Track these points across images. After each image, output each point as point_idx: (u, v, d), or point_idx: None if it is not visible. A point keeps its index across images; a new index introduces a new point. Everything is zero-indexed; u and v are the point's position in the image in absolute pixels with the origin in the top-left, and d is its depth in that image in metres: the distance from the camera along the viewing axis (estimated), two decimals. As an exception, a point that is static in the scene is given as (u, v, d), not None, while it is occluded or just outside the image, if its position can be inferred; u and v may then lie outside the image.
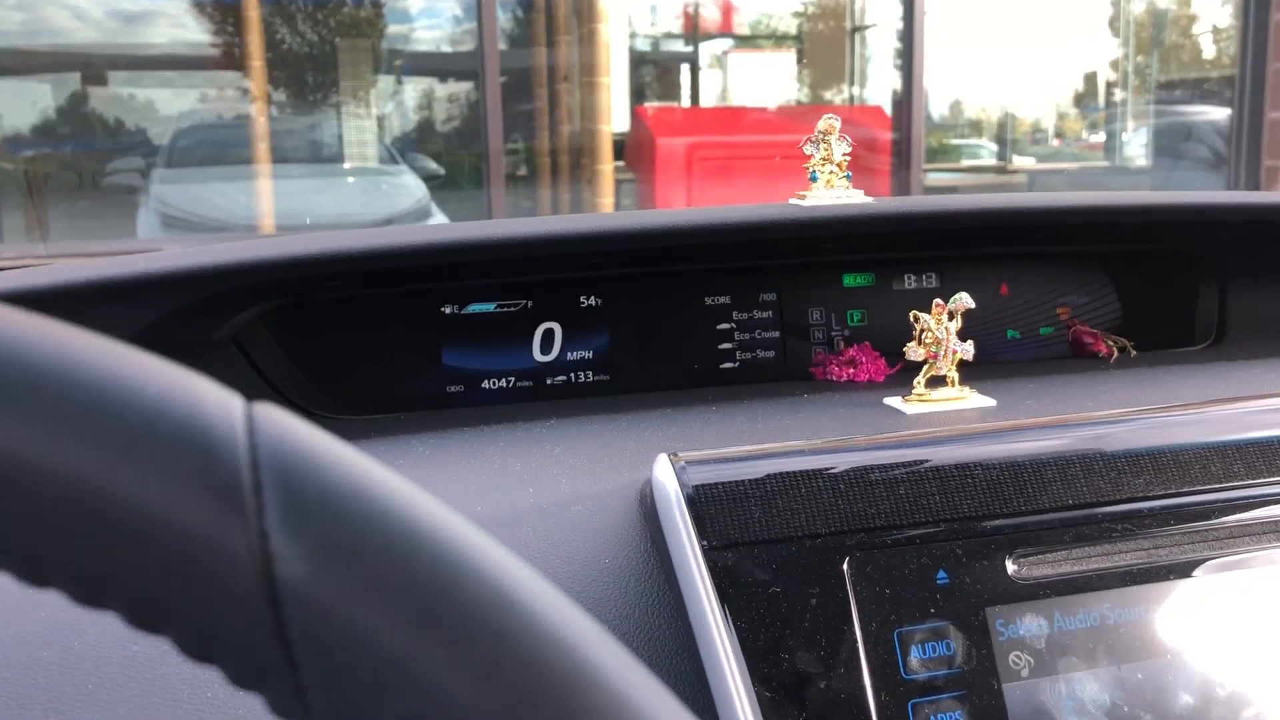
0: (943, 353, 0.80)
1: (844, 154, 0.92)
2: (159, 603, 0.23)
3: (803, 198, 0.93)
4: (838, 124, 0.91)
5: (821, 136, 0.91)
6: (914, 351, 0.81)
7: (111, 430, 0.23)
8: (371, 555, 0.24)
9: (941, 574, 0.55)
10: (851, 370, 0.99)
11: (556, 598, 0.25)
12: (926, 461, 0.58)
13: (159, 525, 0.23)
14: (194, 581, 0.23)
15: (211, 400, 0.24)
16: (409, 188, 4.54)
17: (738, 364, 1.03)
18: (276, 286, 0.88)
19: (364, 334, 0.97)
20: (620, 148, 4.69)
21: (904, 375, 0.98)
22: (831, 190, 0.92)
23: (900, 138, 4.41)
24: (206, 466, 0.23)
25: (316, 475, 0.24)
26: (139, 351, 0.26)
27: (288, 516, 0.23)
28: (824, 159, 0.92)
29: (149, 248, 3.94)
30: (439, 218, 4.44)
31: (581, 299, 1.01)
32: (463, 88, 4.95)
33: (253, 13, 4.40)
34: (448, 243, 0.83)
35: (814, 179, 0.92)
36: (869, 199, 0.94)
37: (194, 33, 4.54)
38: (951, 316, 0.81)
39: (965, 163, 5.96)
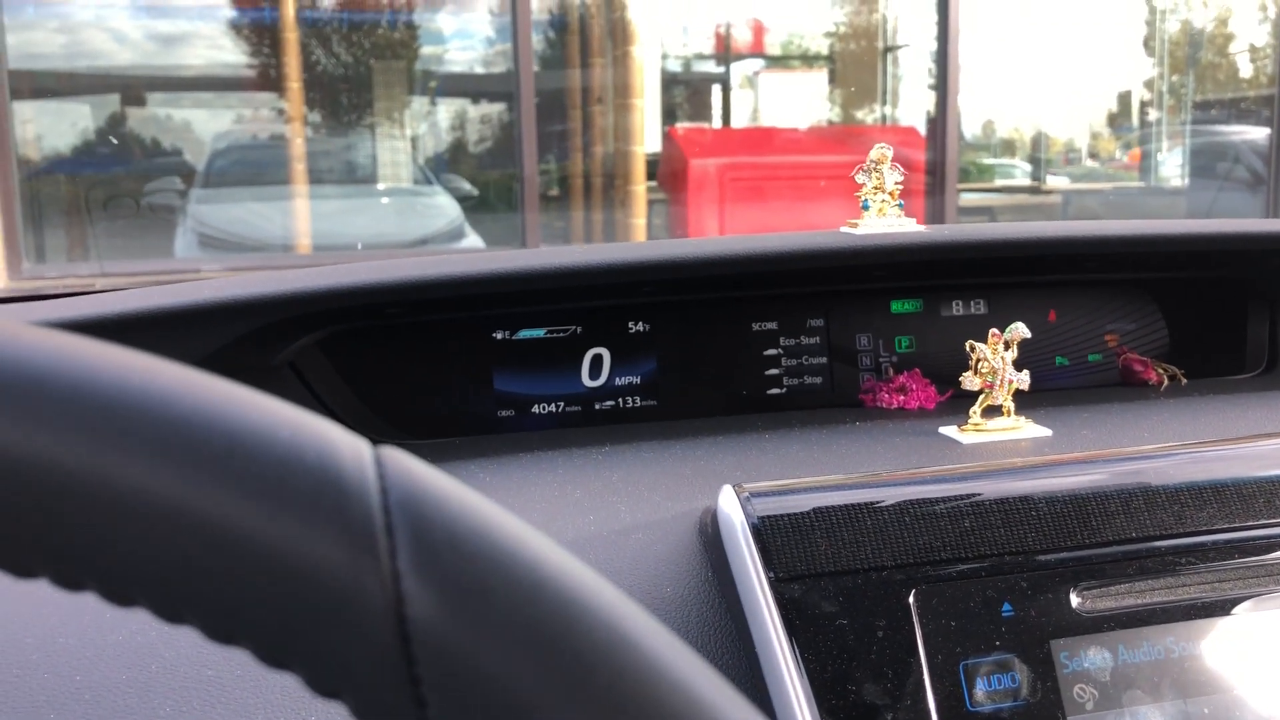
0: (999, 382, 0.80)
1: (896, 182, 0.93)
2: (291, 641, 0.24)
3: (855, 226, 0.94)
4: (890, 153, 0.92)
5: (874, 165, 0.92)
6: (970, 381, 0.82)
7: (250, 476, 0.24)
8: (498, 596, 0.25)
9: (1006, 606, 0.55)
10: (902, 397, 0.99)
11: (668, 637, 0.26)
12: (989, 494, 0.59)
13: (296, 567, 0.24)
14: (327, 620, 0.24)
15: (342, 445, 0.25)
16: (443, 208, 4.58)
17: (785, 390, 1.03)
18: (334, 314, 0.90)
19: (417, 359, 0.98)
20: (653, 168, 4.71)
21: (953, 402, 0.99)
22: (884, 219, 0.93)
23: (934, 158, 4.41)
24: (341, 510, 0.24)
25: (444, 518, 0.25)
26: (265, 396, 0.27)
27: (419, 558, 0.24)
28: (876, 187, 0.93)
29: (187, 267, 4.00)
30: (473, 238, 4.47)
31: (630, 325, 1.02)
32: (496, 109, 5.00)
33: (289, 34, 4.47)
34: (501, 272, 0.84)
35: (866, 207, 0.93)
36: (922, 228, 0.94)
37: (230, 54, 4.61)
38: (1007, 346, 0.81)
39: (999, 183, 5.94)
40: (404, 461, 0.26)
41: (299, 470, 0.25)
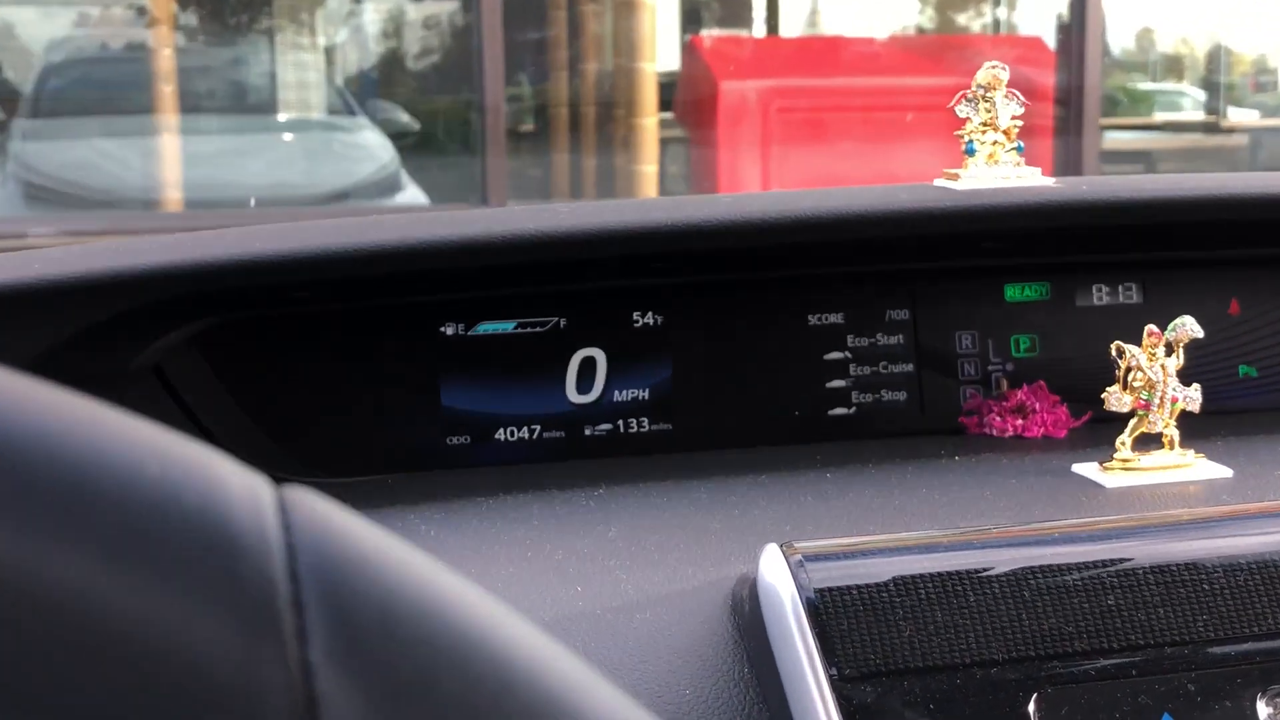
0: (1158, 401, 0.80)
1: (1013, 117, 0.93)
2: None
3: (955, 177, 0.94)
4: (1005, 75, 0.92)
5: (982, 93, 0.92)
6: (1118, 399, 0.82)
7: (101, 530, 0.25)
8: (448, 699, 0.25)
9: (1167, 718, 0.55)
10: (1020, 421, 0.99)
11: None
12: (1143, 560, 0.59)
13: (165, 659, 0.24)
14: (210, 731, 0.24)
15: (232, 485, 0.26)
16: (370, 148, 4.59)
17: (854, 410, 1.04)
18: (216, 299, 0.91)
19: (333, 364, 0.99)
20: (668, 94, 4.71)
21: (1092, 429, 0.99)
22: (996, 168, 0.93)
23: (1068, 82, 4.42)
24: (230, 577, 0.25)
25: (375, 587, 0.25)
26: (120, 413, 0.27)
27: (339, 644, 0.25)
28: (985, 124, 0.93)
29: (7, 231, 4.01)
30: (412, 192, 4.47)
31: (635, 317, 1.02)
32: (447, 7, 5.01)
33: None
34: (453, 240, 0.85)
35: (970, 152, 0.93)
36: (1049, 181, 0.95)
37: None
38: (1170, 350, 0.81)
39: (1160, 117, 5.95)
40: (319, 508, 0.26)
41: (171, 521, 0.25)
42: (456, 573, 0.28)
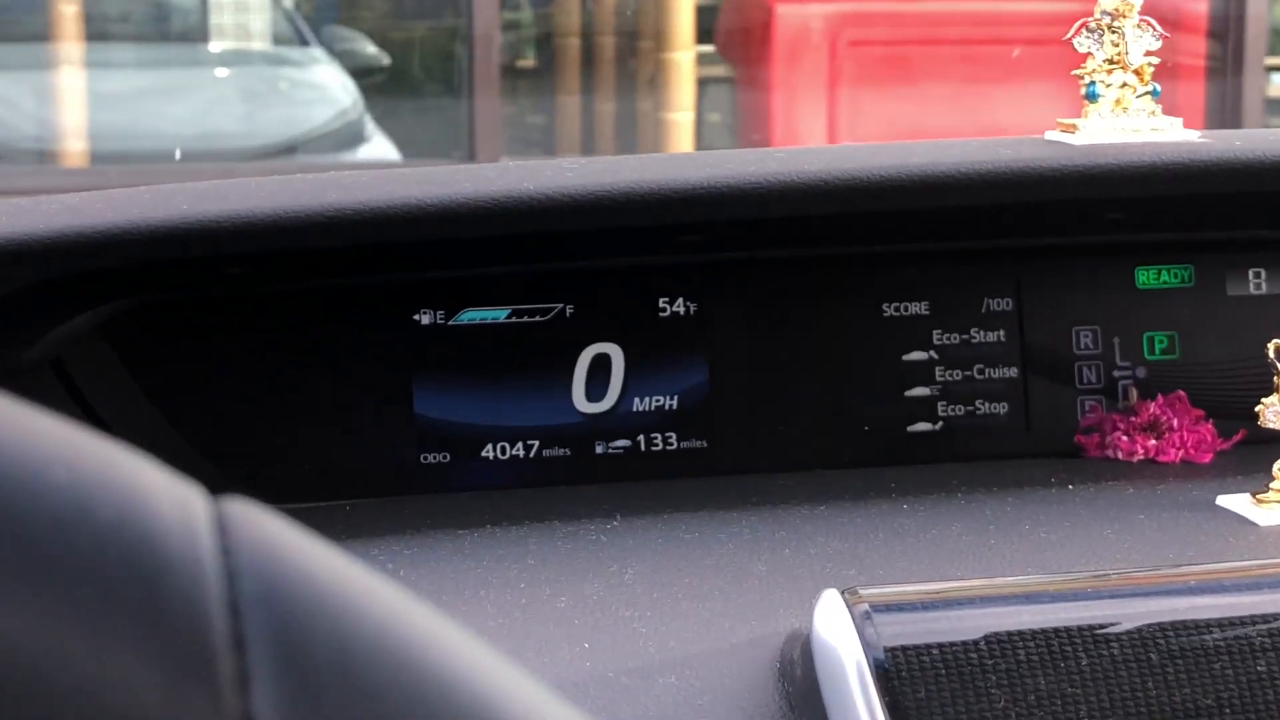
0: (1328, 417, 0.81)
1: (1146, 54, 0.93)
2: None
3: (1072, 129, 0.95)
4: (1137, 1, 0.93)
5: (1108, 22, 0.93)
6: (1277, 414, 0.82)
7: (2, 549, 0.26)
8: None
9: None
10: (1153, 442, 0.99)
11: None
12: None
13: (69, 706, 0.25)
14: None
15: (158, 494, 0.27)
16: (326, 89, 4.58)
17: (940, 425, 1.04)
18: (128, 276, 0.92)
19: (280, 361, 1.00)
20: (708, 21, 4.68)
21: (1243, 452, 0.99)
22: (1125, 118, 0.93)
23: (1223, 8, 4.39)
24: (152, 608, 0.25)
25: (335, 621, 0.26)
26: (26, 408, 0.28)
27: (288, 692, 0.25)
28: (1111, 62, 0.93)
29: None
30: (379, 143, 4.47)
31: (661, 304, 1.03)
32: (425, -91, 5.01)
33: None
34: (432, 204, 0.86)
35: (1092, 96, 0.94)
36: (1194, 134, 0.95)
37: None
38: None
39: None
40: (264, 525, 0.27)
41: (80, 538, 0.26)
42: (432, 606, 0.29)
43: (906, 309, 1.05)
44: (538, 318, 1.02)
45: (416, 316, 1.01)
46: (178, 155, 4.15)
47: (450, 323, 1.01)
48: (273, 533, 0.28)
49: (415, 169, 0.95)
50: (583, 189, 0.86)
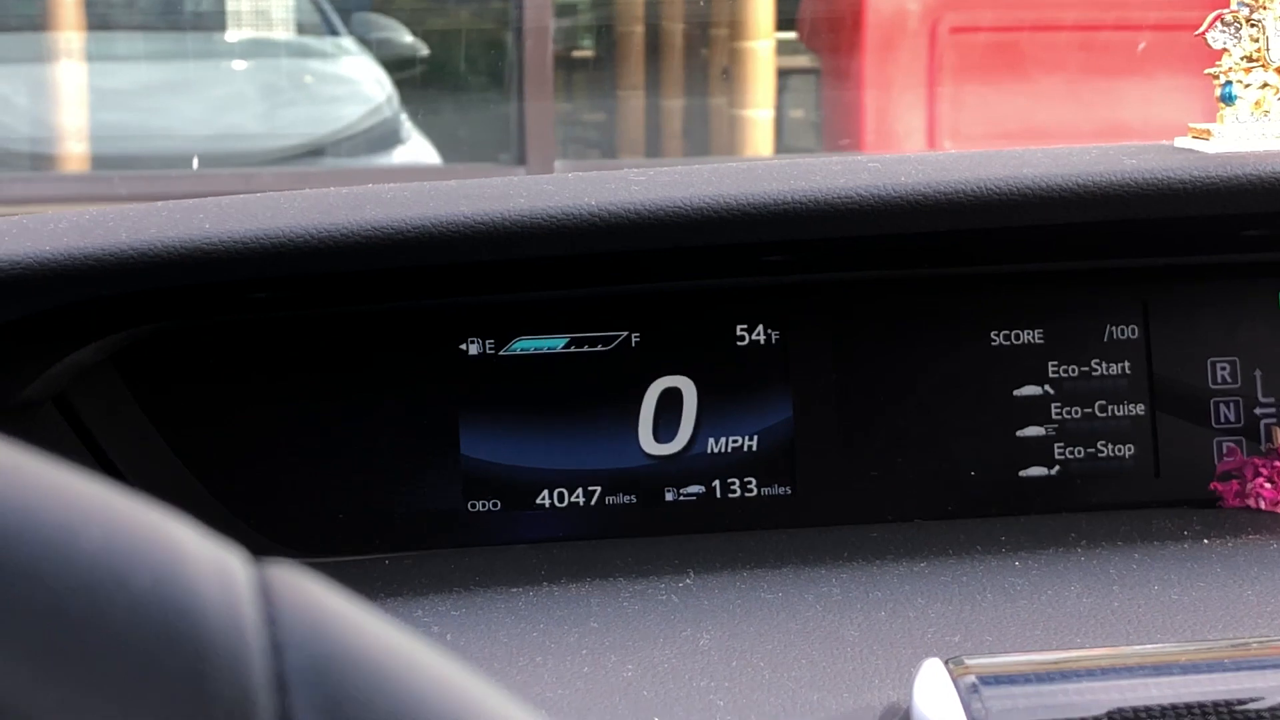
0: None
1: (1293, 49, 0.93)
2: None
3: (1205, 135, 0.94)
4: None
5: (1246, 15, 0.92)
6: None
7: (23, 616, 0.27)
8: None
9: None
10: (1301, 491, 0.99)
11: None
12: None
13: None
14: None
15: (197, 560, 0.28)
16: (357, 84, 4.58)
17: (1057, 470, 1.04)
18: (141, 302, 0.93)
19: (310, 398, 1.01)
20: (790, 6, 4.67)
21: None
22: (1264, 122, 0.93)
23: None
24: (193, 685, 0.26)
25: (390, 699, 0.27)
26: (55, 464, 0.29)
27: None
28: (1250, 59, 0.93)
29: None
30: (416, 146, 4.48)
31: (739, 332, 1.03)
32: (469, -119, 5.02)
33: None
34: (479, 221, 0.86)
35: (1228, 99, 0.94)
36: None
37: None
38: None
39: None
40: (312, 593, 0.28)
41: (115, 610, 0.27)
42: (494, 682, 0.29)
43: (1018, 337, 1.05)
44: (599, 347, 1.02)
45: (463, 346, 1.01)
46: (195, 164, 4.15)
47: (501, 353, 1.02)
48: (320, 601, 0.29)
49: (463, 182, 0.95)
50: (652, 205, 0.87)
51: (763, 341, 1.04)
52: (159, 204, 0.92)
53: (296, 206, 0.89)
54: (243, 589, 0.28)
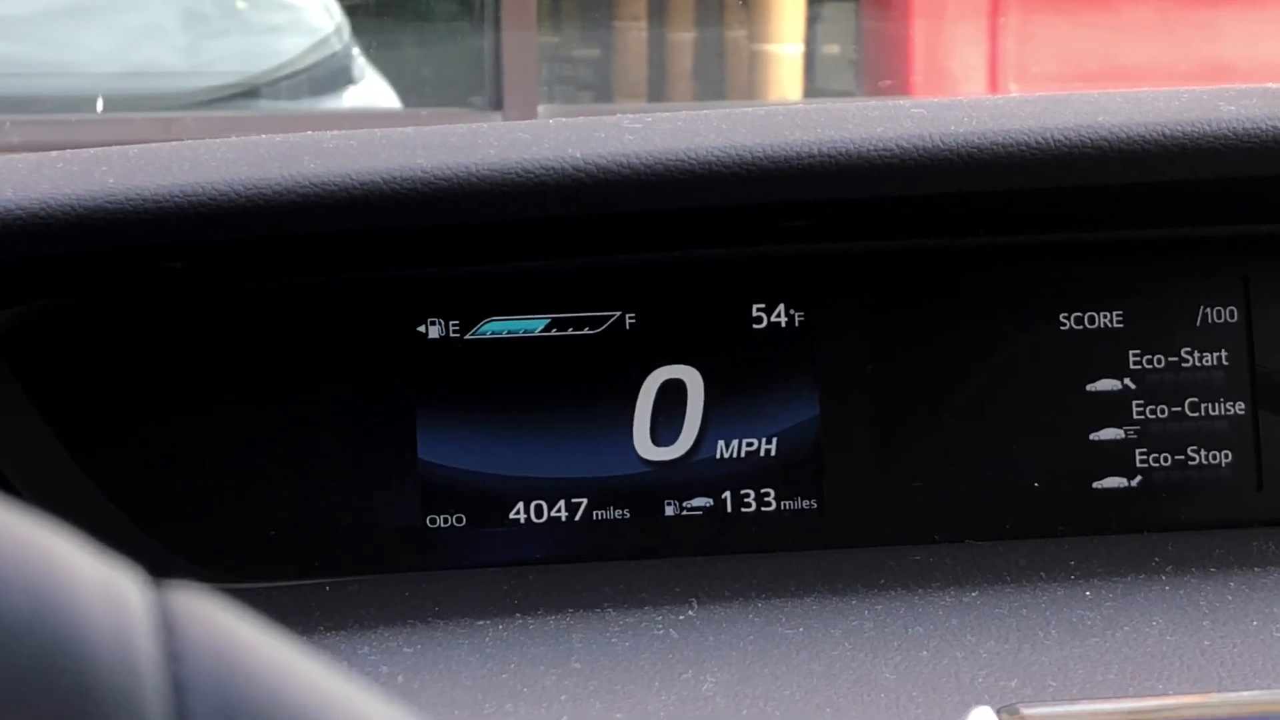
0: None
1: None
2: None
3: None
4: None
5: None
6: None
7: None
8: None
9: None
10: None
11: None
12: None
13: None
14: None
15: (86, 585, 0.28)
16: (300, 11, 4.58)
17: (1138, 481, 1.04)
18: (30, 272, 0.93)
19: (238, 389, 1.01)
20: (822, -82, 4.67)
21: None
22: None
23: None
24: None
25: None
26: None
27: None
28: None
29: None
30: (371, 86, 4.47)
31: (756, 312, 1.03)
32: None
33: None
34: (443, 176, 0.86)
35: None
36: None
37: None
38: None
39: None
40: (221, 624, 0.28)
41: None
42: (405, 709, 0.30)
43: (1093, 321, 1.05)
44: (586, 330, 1.02)
45: (422, 328, 1.01)
46: (99, 105, 4.15)
47: (467, 337, 1.02)
48: (231, 633, 0.29)
49: (422, 130, 0.95)
50: (649, 157, 0.87)
51: (784, 324, 1.04)
52: (52, 154, 0.91)
53: (219, 158, 0.88)
54: (138, 618, 0.28)
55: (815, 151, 0.88)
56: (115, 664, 0.27)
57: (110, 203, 0.84)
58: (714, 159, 0.87)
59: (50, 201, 0.84)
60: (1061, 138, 0.89)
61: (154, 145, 0.93)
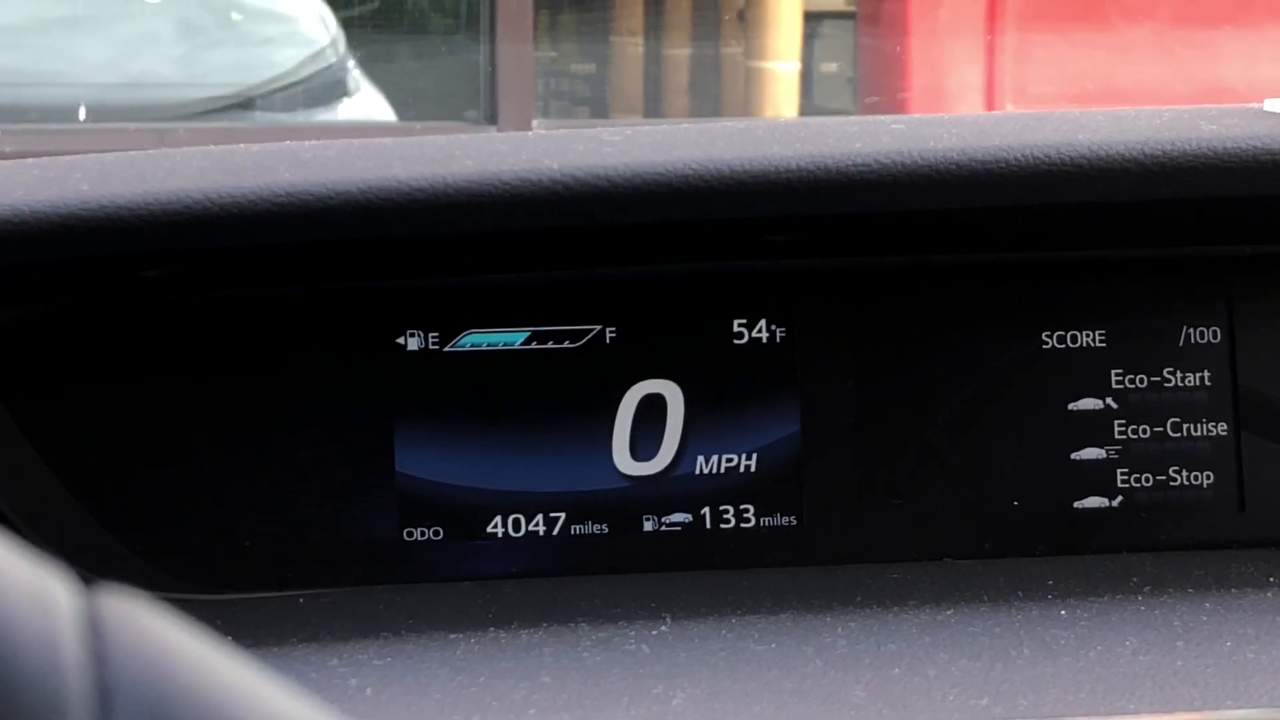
0: None
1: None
2: None
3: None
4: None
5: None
6: None
7: None
8: None
9: None
10: None
11: None
12: None
13: None
14: None
15: (11, 586, 0.28)
16: (295, 22, 4.58)
17: (1119, 501, 1.04)
18: (10, 278, 0.93)
19: (213, 399, 1.01)
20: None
21: None
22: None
23: None
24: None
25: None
26: None
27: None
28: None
29: None
30: (367, 99, 4.47)
31: (736, 326, 1.03)
32: None
33: None
34: (422, 186, 0.86)
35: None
36: None
37: None
38: None
39: None
40: (148, 628, 0.28)
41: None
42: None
43: (1075, 340, 1.05)
44: (566, 344, 1.02)
45: (400, 340, 1.01)
46: (82, 113, 4.14)
47: (446, 349, 1.02)
48: (159, 637, 0.29)
49: (400, 140, 0.95)
50: (626, 170, 0.87)
51: (765, 340, 1.04)
52: (27, 161, 0.91)
53: (195, 166, 0.88)
54: (65, 620, 0.28)
55: (794, 166, 0.88)
56: (40, 664, 0.27)
57: (84, 210, 0.84)
58: (691, 172, 0.87)
59: (23, 208, 0.84)
60: (1041, 155, 0.89)
61: (130, 153, 0.93)
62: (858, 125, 0.96)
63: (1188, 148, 0.89)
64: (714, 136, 0.93)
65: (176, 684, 0.28)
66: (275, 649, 0.85)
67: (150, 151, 0.94)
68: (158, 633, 0.29)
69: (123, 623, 0.29)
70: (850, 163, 0.88)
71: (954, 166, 0.89)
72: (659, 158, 0.88)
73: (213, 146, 0.95)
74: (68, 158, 0.92)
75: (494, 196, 0.87)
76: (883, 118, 0.97)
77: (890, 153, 0.89)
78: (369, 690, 0.80)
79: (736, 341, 1.03)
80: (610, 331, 1.02)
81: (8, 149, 3.70)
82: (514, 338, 1.02)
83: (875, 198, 0.90)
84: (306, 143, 0.93)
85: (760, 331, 1.03)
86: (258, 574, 0.99)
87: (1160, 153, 0.89)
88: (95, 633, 0.28)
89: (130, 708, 0.27)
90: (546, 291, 1.02)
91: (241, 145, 0.95)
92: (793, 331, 1.03)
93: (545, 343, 1.02)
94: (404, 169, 0.87)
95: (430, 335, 1.01)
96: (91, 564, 0.96)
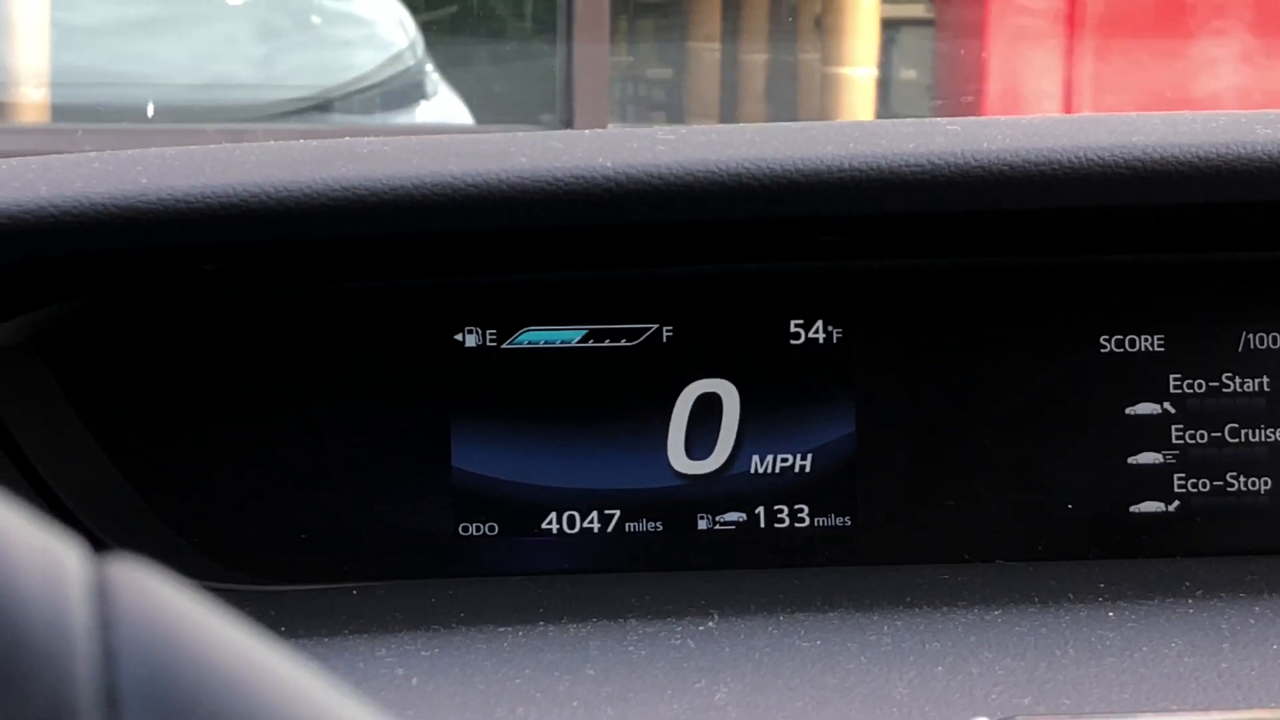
0: None
1: None
2: None
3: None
4: None
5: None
6: None
7: None
8: None
9: None
10: None
11: None
12: None
13: None
14: None
15: (21, 551, 0.28)
16: (374, 26, 4.57)
17: (1176, 506, 1.03)
18: (73, 271, 0.94)
19: (270, 393, 1.01)
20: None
21: None
22: None
23: None
24: (11, 696, 0.27)
25: (234, 717, 0.28)
26: None
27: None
28: None
29: None
30: (444, 102, 4.46)
31: (792, 326, 1.04)
32: None
33: None
34: (475, 183, 0.86)
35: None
36: None
37: None
38: None
39: None
40: (155, 595, 0.29)
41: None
42: (369, 702, 0.30)
43: (1133, 344, 1.05)
44: (623, 342, 1.03)
45: (458, 337, 1.02)
46: (150, 111, 4.14)
47: (504, 346, 1.02)
48: (166, 603, 0.29)
49: (456, 137, 0.95)
50: (678, 168, 0.87)
51: (821, 340, 1.04)
52: (89, 154, 0.92)
53: (253, 161, 0.89)
54: (74, 586, 0.28)
55: (846, 166, 0.88)
56: (47, 628, 0.28)
57: (142, 202, 0.85)
58: (744, 170, 0.87)
59: (83, 200, 0.85)
60: (1094, 157, 0.89)
61: (190, 148, 0.93)
62: (912, 126, 0.96)
63: (1242, 151, 0.89)
64: (768, 136, 0.93)
65: (182, 650, 0.29)
66: (325, 639, 0.86)
67: (210, 146, 0.94)
68: (165, 600, 0.29)
69: (131, 589, 0.29)
70: (902, 163, 0.88)
71: (1006, 168, 0.89)
72: (711, 156, 0.88)
73: (271, 143, 0.95)
74: (129, 151, 0.93)
75: (547, 193, 0.87)
76: (939, 120, 0.96)
77: (943, 153, 0.89)
78: (415, 680, 0.80)
79: (793, 342, 1.03)
80: (667, 330, 1.02)
81: (88, 149, 3.72)
82: (571, 335, 1.02)
83: (927, 199, 0.90)
84: (365, 138, 0.94)
85: (817, 332, 1.03)
86: (313, 566, 1.00)
87: (1215, 155, 0.89)
88: (103, 598, 0.28)
89: (135, 672, 0.28)
90: (604, 289, 1.02)
91: (300, 141, 0.95)
92: (849, 332, 1.03)
93: (602, 340, 1.02)
94: (459, 165, 0.87)
95: (488, 332, 1.01)
96: (150, 555, 0.96)
